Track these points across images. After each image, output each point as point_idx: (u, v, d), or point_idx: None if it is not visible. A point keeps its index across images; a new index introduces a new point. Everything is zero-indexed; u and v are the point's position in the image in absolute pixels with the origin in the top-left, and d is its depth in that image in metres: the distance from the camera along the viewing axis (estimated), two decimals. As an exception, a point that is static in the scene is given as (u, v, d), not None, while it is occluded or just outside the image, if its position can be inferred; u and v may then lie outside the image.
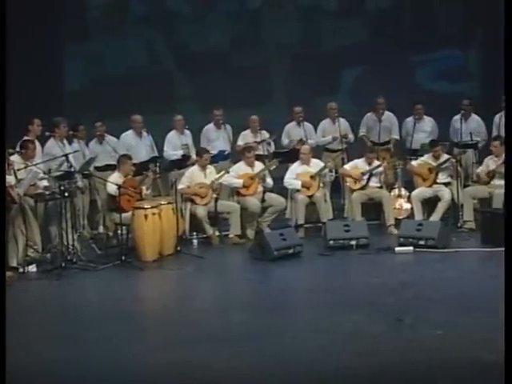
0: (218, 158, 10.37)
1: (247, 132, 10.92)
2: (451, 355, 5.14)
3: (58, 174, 8.83)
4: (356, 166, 10.05)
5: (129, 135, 10.35)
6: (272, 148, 10.84)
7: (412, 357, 5.17)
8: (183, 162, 10.20)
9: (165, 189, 10.07)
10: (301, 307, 6.87)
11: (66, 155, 8.71)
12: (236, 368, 5.13)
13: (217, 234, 9.45)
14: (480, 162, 10.24)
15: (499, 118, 10.80)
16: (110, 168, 9.68)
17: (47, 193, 8.28)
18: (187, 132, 10.59)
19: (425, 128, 11.09)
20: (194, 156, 10.29)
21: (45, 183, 8.45)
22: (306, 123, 11.04)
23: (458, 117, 10.93)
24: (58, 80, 12.19)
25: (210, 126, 10.87)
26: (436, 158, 9.94)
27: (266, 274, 8.08)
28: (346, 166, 10.21)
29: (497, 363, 4.89)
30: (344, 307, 6.46)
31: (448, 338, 5.50)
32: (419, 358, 5.12)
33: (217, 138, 10.78)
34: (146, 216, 8.49)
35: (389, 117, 11.24)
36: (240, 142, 10.84)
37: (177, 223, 8.81)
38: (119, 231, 8.65)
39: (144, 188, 9.07)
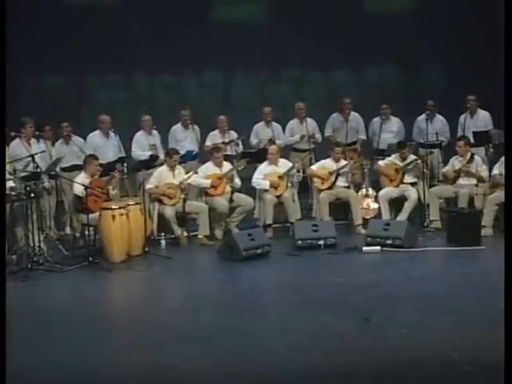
0: (186, 159, 10.35)
1: (215, 132, 10.92)
2: (417, 354, 5.19)
3: (24, 174, 8.75)
4: (323, 166, 10.10)
5: (96, 135, 10.29)
6: (240, 148, 10.85)
7: (379, 356, 5.21)
8: (151, 163, 10.16)
9: (132, 189, 10.03)
10: (269, 307, 6.89)
11: (32, 156, 8.63)
12: (205, 368, 5.13)
13: (185, 234, 9.43)
14: (445, 162, 10.35)
15: (464, 119, 10.94)
16: (77, 168, 9.62)
17: (13, 194, 8.20)
18: (155, 132, 10.57)
19: (391, 128, 11.19)
20: (161, 156, 10.27)
21: (11, 184, 8.37)
22: (274, 123, 11.09)
23: (423, 117, 11.04)
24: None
25: (178, 127, 10.86)
26: (403, 158, 10.02)
27: (235, 274, 8.09)
28: (314, 166, 10.25)
29: (462, 361, 4.96)
30: (312, 307, 6.48)
31: (414, 336, 5.55)
32: (386, 357, 5.16)
33: (184, 139, 10.77)
34: (113, 217, 8.45)
35: (355, 117, 11.32)
36: (208, 143, 10.84)
37: (145, 224, 8.79)
38: (86, 232, 8.60)
39: (111, 188, 9.03)
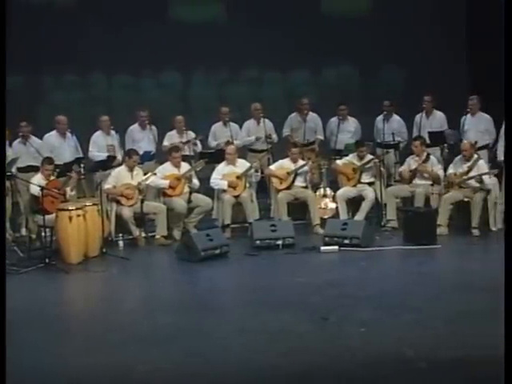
0: (144, 159, 10.29)
1: (173, 132, 10.89)
2: (374, 352, 5.24)
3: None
4: (281, 166, 10.13)
5: (52, 136, 10.19)
6: (198, 148, 10.83)
7: (337, 354, 5.25)
8: (108, 163, 10.08)
9: (90, 190, 9.95)
10: (228, 307, 6.89)
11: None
12: (163, 369, 5.12)
13: (143, 235, 9.37)
14: (402, 162, 10.46)
15: (419, 119, 11.07)
16: (33, 169, 9.51)
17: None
18: (113, 133, 10.49)
19: (349, 128, 11.27)
20: (119, 157, 10.21)
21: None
22: (232, 123, 11.10)
23: (380, 117, 11.17)
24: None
25: (135, 127, 10.80)
26: (360, 158, 10.10)
27: (193, 275, 8.07)
28: (272, 167, 10.28)
29: (418, 359, 5.02)
30: (270, 306, 6.50)
31: (371, 335, 5.61)
32: (344, 356, 5.20)
33: (142, 139, 10.72)
34: (70, 218, 8.37)
35: (313, 117, 11.38)
36: (166, 143, 10.80)
37: (102, 225, 8.73)
38: (43, 233, 8.52)
39: (68, 189, 8.95)
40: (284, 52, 12.29)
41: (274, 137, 11.20)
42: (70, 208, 8.48)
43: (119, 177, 9.45)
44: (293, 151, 10.14)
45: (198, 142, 10.83)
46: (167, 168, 9.77)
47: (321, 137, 11.42)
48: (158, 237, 9.33)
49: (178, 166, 9.75)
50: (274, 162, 10.47)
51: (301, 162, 10.11)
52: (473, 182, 9.34)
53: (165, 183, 9.59)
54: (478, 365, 4.93)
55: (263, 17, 12.29)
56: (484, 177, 9.24)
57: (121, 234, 9.28)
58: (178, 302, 6.98)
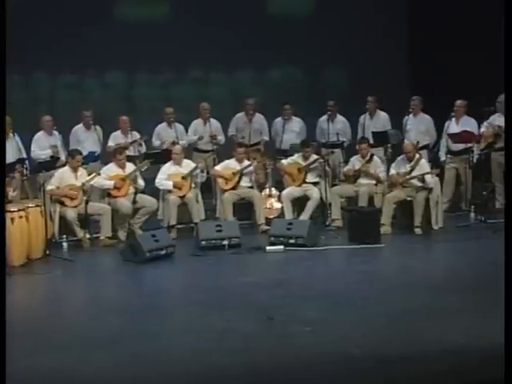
0: (88, 160, 10.21)
1: (118, 133, 10.82)
2: (320, 351, 5.28)
3: None
4: (227, 166, 10.15)
5: (-6, 136, 10.03)
6: (143, 149, 10.78)
7: (283, 354, 5.28)
8: (52, 164, 9.96)
9: (33, 191, 9.81)
10: (174, 308, 6.86)
11: None
12: (109, 372, 5.08)
13: (87, 236, 9.28)
14: (346, 162, 10.57)
15: (364, 119, 11.21)
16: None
17: None
18: (55, 133, 10.37)
19: (293, 128, 11.35)
20: (62, 157, 10.10)
21: None
22: (177, 124, 11.08)
23: (324, 118, 11.27)
24: None
25: (80, 127, 10.71)
26: (305, 157, 10.16)
27: (139, 276, 8.03)
28: (218, 167, 10.29)
29: (363, 357, 5.09)
30: (216, 307, 6.50)
31: (317, 334, 5.65)
32: (290, 355, 5.23)
33: (86, 139, 10.64)
34: (12, 219, 8.22)
35: (259, 118, 11.43)
36: (110, 143, 10.73)
37: (45, 226, 8.62)
38: (-16, 235, 8.37)
39: (11, 190, 8.80)
40: (229, 52, 12.31)
41: (220, 138, 11.21)
42: (12, 209, 8.33)
43: (63, 177, 9.35)
44: (238, 151, 10.16)
45: (143, 143, 10.78)
46: (112, 168, 9.70)
47: (266, 137, 11.48)
48: (102, 238, 9.25)
49: (122, 166, 9.69)
50: (220, 162, 10.48)
51: (246, 163, 10.14)
52: (415, 182, 9.49)
53: (109, 184, 9.51)
54: (421, 361, 5.01)
55: (208, 17, 12.27)
56: (426, 176, 9.39)
57: (65, 236, 9.17)
58: (123, 303, 6.94)
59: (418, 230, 9.33)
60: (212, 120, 11.17)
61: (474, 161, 10.22)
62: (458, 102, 10.53)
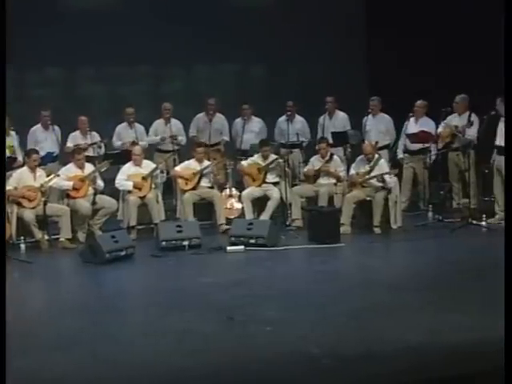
0: (46, 160, 10.12)
1: (76, 133, 10.74)
2: (280, 351, 5.29)
3: None
4: (188, 166, 10.13)
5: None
6: (102, 149, 10.71)
7: (243, 354, 5.28)
8: (9, 165, 9.83)
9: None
10: (134, 309, 6.83)
11: None
12: (69, 374, 5.03)
13: (46, 237, 9.19)
14: (306, 162, 10.62)
15: (323, 119, 11.28)
16: None
17: None
18: (12, 133, 10.24)
19: (253, 128, 11.38)
20: (20, 158, 9.98)
21: None
22: (137, 124, 11.03)
23: (283, 118, 11.31)
24: None
25: (38, 127, 10.61)
26: (265, 158, 10.19)
27: (98, 277, 7.97)
28: (178, 167, 10.27)
29: (323, 355, 5.12)
30: (177, 308, 6.48)
31: (277, 334, 5.66)
32: (250, 355, 5.24)
33: (45, 140, 10.54)
34: (-31, 221, 8.14)
35: (219, 118, 11.43)
36: (69, 144, 10.64)
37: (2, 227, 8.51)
38: None
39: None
40: (189, 52, 12.29)
41: (181, 138, 11.18)
42: (-31, 211, 8.24)
43: (21, 178, 9.25)
44: (198, 152, 10.15)
45: (102, 143, 10.71)
46: (71, 169, 9.62)
47: (226, 137, 11.48)
48: (61, 239, 9.17)
49: (81, 167, 9.62)
50: (181, 162, 10.46)
51: (206, 163, 10.14)
52: (374, 182, 9.57)
53: (68, 185, 9.43)
54: (381, 359, 5.06)
55: (168, 15, 12.22)
56: (385, 176, 9.48)
57: (22, 237, 9.06)
58: (83, 305, 6.87)
59: (377, 230, 9.41)
60: (173, 120, 11.14)
61: (431, 161, 10.36)
62: (418, 103, 10.67)
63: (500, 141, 9.34)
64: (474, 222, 9.40)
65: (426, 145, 10.35)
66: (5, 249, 7.46)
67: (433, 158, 10.37)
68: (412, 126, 10.66)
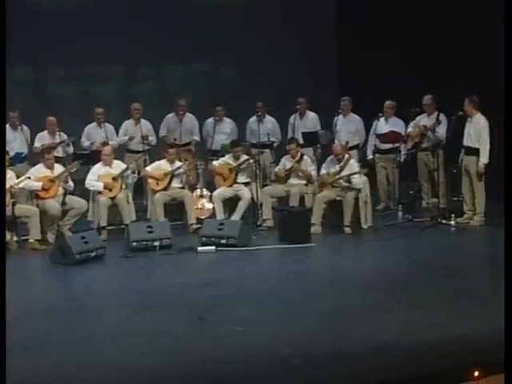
0: (15, 161, 10.02)
1: (44, 133, 10.66)
2: (251, 351, 5.30)
3: None
4: (158, 167, 10.10)
5: None
6: (71, 150, 10.64)
7: (214, 354, 5.28)
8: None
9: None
10: (104, 310, 6.77)
11: None
12: (38, 376, 5.00)
13: (15, 239, 9.10)
14: (277, 162, 10.64)
15: (294, 119, 11.31)
16: None
17: None
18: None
19: (224, 129, 11.37)
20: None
21: None
22: (107, 124, 10.97)
23: (254, 119, 11.32)
24: None
25: (6, 128, 10.47)
26: (236, 158, 10.19)
27: (68, 279, 7.92)
28: (149, 168, 10.23)
29: (294, 355, 5.13)
30: (147, 308, 6.46)
31: (248, 334, 5.67)
32: (221, 355, 5.24)
33: (13, 140, 10.43)
34: None
35: (190, 118, 11.41)
36: (37, 144, 10.55)
37: (-29, 229, 8.42)
38: None
39: None
40: (159, 51, 12.26)
41: (152, 139, 11.14)
42: None
43: (-11, 179, 9.15)
44: (169, 152, 10.13)
45: (71, 143, 10.64)
46: (40, 170, 9.54)
47: (197, 138, 11.47)
48: (31, 240, 9.08)
49: (50, 167, 9.54)
50: (152, 162, 10.42)
51: (177, 163, 10.11)
52: (344, 182, 9.61)
53: (37, 185, 9.35)
54: (352, 359, 5.09)
55: (141, 15, 12.18)
56: (353, 177, 9.52)
57: (-9, 239, 8.98)
58: (53, 306, 6.82)
59: (347, 230, 9.45)
60: (143, 121, 11.10)
61: (401, 160, 10.45)
62: (387, 103, 10.75)
63: (467, 141, 9.45)
64: (443, 221, 9.49)
65: (396, 145, 10.44)
66: (5, 249, 7.37)
67: (403, 157, 10.45)
68: (382, 126, 10.74)
